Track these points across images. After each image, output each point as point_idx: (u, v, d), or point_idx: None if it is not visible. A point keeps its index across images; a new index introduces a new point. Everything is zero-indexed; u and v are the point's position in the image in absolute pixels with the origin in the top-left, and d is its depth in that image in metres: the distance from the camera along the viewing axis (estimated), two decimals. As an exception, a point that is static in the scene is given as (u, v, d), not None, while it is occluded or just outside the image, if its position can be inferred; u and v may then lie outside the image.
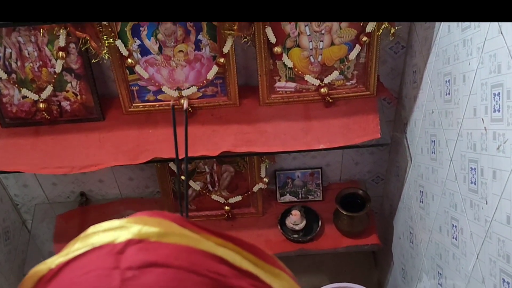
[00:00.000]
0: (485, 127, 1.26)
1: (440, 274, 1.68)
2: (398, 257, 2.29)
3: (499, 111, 1.18)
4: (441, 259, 1.67)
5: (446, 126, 1.54)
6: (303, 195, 2.45)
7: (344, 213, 2.21)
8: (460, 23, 1.39)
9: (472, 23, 1.30)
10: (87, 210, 2.50)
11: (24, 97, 1.93)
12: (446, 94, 1.53)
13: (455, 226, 1.51)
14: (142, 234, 0.61)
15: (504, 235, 1.18)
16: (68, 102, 1.96)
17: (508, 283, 1.16)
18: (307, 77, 1.92)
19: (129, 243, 0.60)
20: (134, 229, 0.62)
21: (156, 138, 1.95)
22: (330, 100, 1.96)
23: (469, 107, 1.36)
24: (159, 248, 0.60)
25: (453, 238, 1.53)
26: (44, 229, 2.48)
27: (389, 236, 2.41)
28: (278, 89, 1.97)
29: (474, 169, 1.34)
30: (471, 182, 1.36)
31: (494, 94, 1.19)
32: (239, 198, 2.37)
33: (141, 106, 1.99)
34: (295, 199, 2.45)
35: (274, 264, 0.66)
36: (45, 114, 1.96)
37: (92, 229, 0.65)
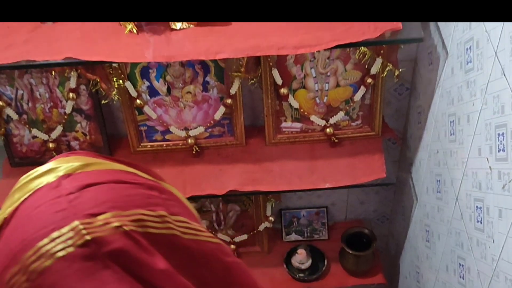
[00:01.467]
0: (490, 167, 1.28)
1: (448, 314, 1.68)
2: (404, 297, 2.29)
3: (503, 150, 1.20)
4: (448, 298, 1.67)
5: (451, 166, 1.57)
6: (308, 234, 2.46)
7: (350, 252, 2.22)
8: (463, 65, 1.43)
9: (475, 65, 1.34)
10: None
11: (34, 137, 1.96)
12: (451, 134, 1.56)
13: (462, 265, 1.52)
14: (68, 170, 0.78)
15: (511, 274, 1.19)
16: (77, 142, 1.99)
17: (517, 322, 1.17)
18: (313, 118, 1.95)
19: (61, 179, 0.77)
20: (61, 169, 0.78)
21: (164, 177, 1.96)
22: (336, 140, 1.99)
23: (473, 147, 1.38)
24: (86, 175, 0.78)
25: (460, 277, 1.54)
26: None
27: (395, 275, 2.41)
28: (284, 129, 2.00)
29: (480, 208, 1.36)
30: (477, 221, 1.38)
31: (498, 134, 1.22)
32: (244, 236, 2.37)
33: (149, 146, 2.02)
34: (301, 238, 2.46)
35: (162, 179, 0.93)
36: (54, 154, 1.98)
37: (23, 179, 0.80)
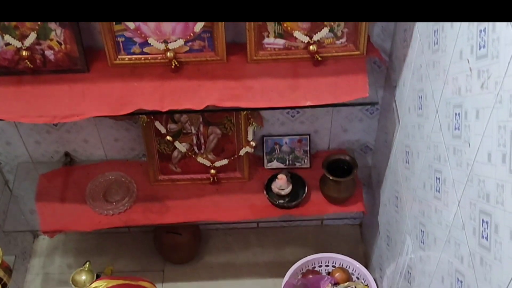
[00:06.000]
0: (470, 68, 1.23)
1: (423, 231, 1.65)
2: (383, 226, 2.26)
3: (484, 47, 1.15)
4: (424, 216, 1.64)
5: (433, 77, 1.52)
6: (290, 162, 2.42)
7: (331, 178, 2.18)
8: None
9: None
10: (71, 170, 2.47)
11: (7, 44, 1.89)
12: (435, 44, 1.50)
13: (438, 178, 1.48)
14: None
15: (484, 174, 1.15)
16: (52, 52, 1.93)
17: (487, 222, 1.13)
18: (296, 34, 1.89)
19: None
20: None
21: (141, 91, 1.92)
22: (319, 59, 1.93)
23: (455, 51, 1.33)
24: None
25: (436, 191, 1.50)
26: (26, 189, 2.44)
27: (375, 205, 2.38)
28: (266, 46, 1.94)
29: (458, 114, 1.31)
30: (455, 128, 1.33)
31: (480, 31, 1.16)
32: (225, 161, 2.33)
33: (126, 59, 1.96)
34: (282, 166, 2.42)
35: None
36: (28, 63, 1.92)
37: None
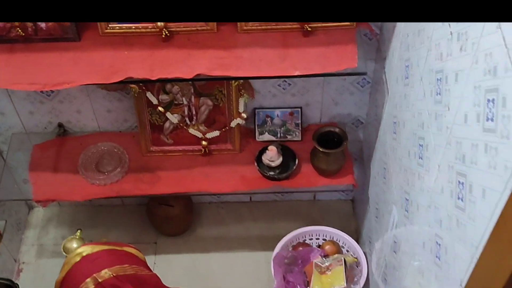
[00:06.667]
0: (450, 32, 1.24)
1: (407, 200, 1.67)
2: (373, 199, 2.28)
3: (463, 9, 1.15)
4: (408, 184, 1.65)
5: (418, 45, 1.52)
6: (281, 135, 2.43)
7: (321, 149, 2.20)
8: None
9: None
10: (65, 141, 2.48)
11: (-1, 11, 1.90)
12: (420, 12, 1.51)
13: (421, 145, 1.49)
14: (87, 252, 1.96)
15: (461, 136, 1.16)
16: (44, 19, 1.94)
17: (463, 183, 1.15)
18: (286, 4, 1.89)
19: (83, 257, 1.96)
20: (84, 252, 1.97)
21: (132, 60, 1.93)
22: (309, 29, 1.93)
23: (438, 17, 1.33)
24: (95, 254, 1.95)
25: (419, 158, 1.52)
26: (20, 159, 2.46)
27: (366, 181, 2.40)
28: (256, 16, 1.94)
29: (440, 79, 1.32)
30: (437, 94, 1.34)
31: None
32: (216, 133, 2.35)
33: (117, 28, 1.96)
34: (274, 138, 2.43)
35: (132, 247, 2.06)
36: (20, 31, 1.93)
37: (68, 258, 1.97)
